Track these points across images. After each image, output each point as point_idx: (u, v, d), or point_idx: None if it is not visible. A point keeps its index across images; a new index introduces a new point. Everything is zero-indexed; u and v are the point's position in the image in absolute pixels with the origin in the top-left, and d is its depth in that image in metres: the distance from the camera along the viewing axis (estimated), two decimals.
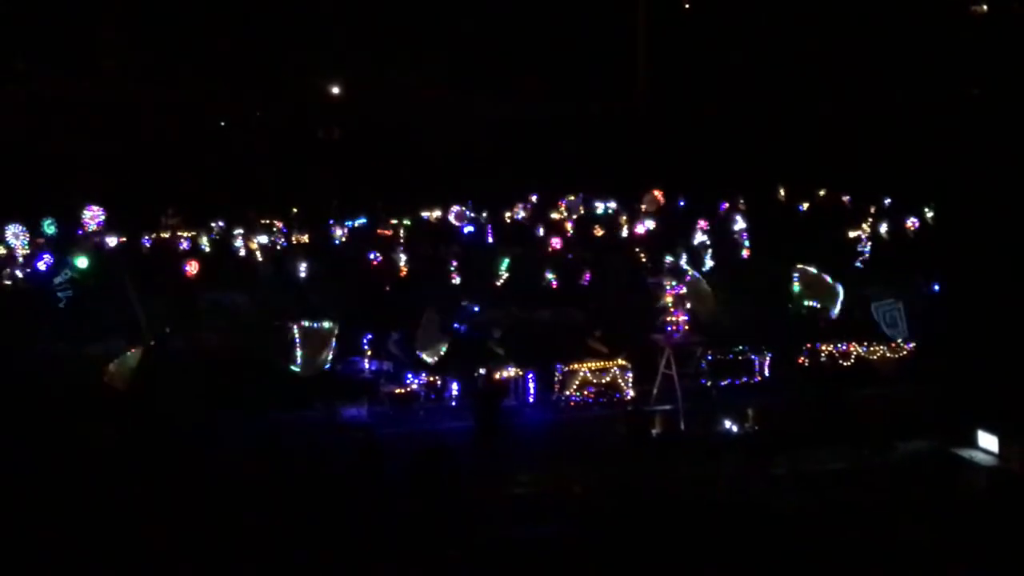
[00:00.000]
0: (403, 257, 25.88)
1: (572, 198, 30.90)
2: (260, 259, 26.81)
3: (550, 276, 25.54)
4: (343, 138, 37.63)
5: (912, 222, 29.51)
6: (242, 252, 27.58)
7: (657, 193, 31.09)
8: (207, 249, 27.53)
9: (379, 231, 28.58)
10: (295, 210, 30.93)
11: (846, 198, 31.65)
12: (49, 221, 28.12)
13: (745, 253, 27.93)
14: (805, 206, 31.66)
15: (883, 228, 29.32)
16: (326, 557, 13.83)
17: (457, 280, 25.37)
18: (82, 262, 24.23)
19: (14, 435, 17.55)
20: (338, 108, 39.90)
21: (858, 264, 28.04)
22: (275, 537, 14.20)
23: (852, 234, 28.95)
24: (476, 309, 23.19)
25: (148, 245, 27.75)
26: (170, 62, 37.42)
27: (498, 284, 25.19)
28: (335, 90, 40.68)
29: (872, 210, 30.75)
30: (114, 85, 36.74)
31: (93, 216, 28.48)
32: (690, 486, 16.09)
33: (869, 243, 28.47)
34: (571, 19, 39.62)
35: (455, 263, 25.89)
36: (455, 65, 38.74)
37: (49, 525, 14.55)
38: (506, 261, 25.80)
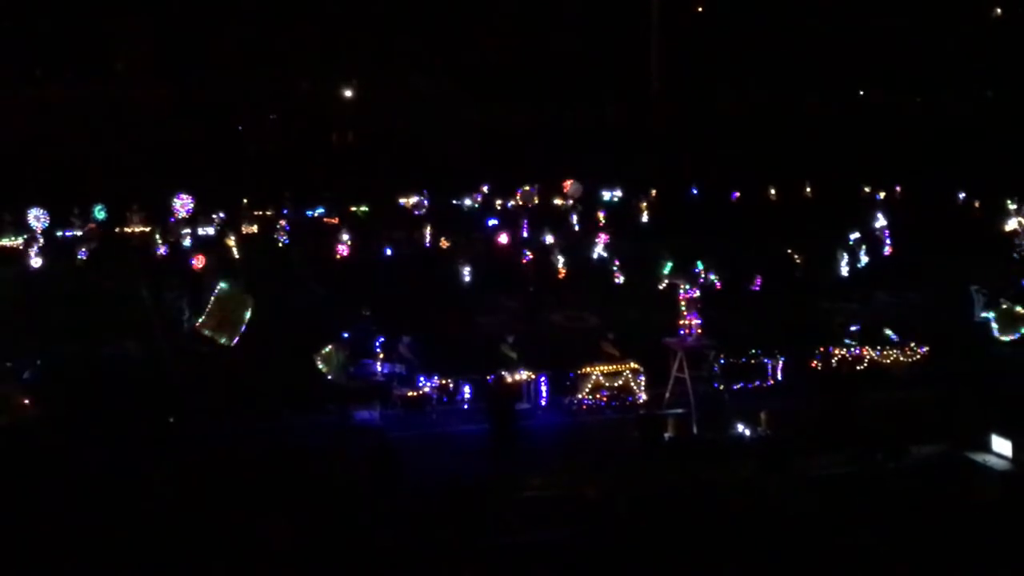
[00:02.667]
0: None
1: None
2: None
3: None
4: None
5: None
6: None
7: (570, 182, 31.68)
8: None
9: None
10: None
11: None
12: (100, 207, 28.26)
13: (888, 250, 27.99)
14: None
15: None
16: (337, 558, 13.90)
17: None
18: None
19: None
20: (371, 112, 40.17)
21: (1016, 256, 28.22)
22: (287, 539, 14.26)
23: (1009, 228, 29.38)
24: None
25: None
26: (172, 63, 37.83)
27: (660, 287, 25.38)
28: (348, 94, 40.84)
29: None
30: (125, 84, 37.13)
31: (183, 204, 28.66)
32: (702, 490, 16.06)
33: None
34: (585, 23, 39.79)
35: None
36: (472, 73, 39.08)
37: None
38: (669, 264, 25.93)
